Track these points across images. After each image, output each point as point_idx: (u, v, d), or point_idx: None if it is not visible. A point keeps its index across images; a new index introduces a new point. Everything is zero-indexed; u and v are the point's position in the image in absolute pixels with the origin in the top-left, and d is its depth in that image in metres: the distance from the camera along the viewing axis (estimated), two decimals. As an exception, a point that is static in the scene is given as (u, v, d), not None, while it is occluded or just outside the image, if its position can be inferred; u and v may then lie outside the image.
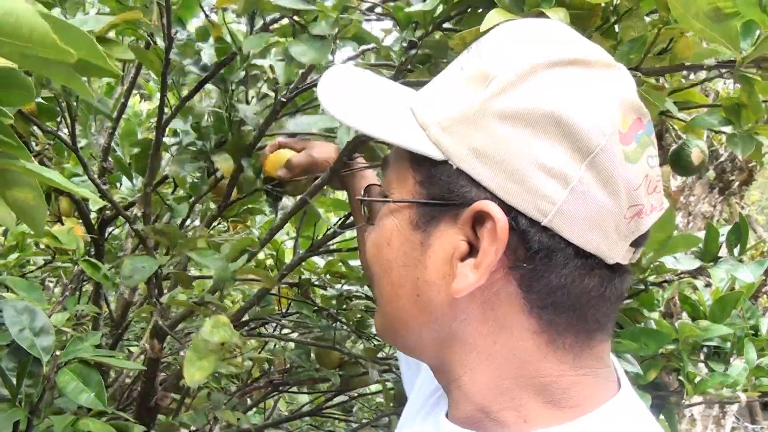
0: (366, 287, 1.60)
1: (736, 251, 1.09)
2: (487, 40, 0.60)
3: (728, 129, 1.02)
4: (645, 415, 0.62)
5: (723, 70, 0.80)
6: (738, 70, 0.71)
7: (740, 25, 0.66)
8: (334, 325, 1.55)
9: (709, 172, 5.40)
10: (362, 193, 0.72)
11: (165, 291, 1.24)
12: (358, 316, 1.58)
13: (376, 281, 0.67)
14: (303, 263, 1.50)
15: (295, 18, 0.84)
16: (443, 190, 0.59)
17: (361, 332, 1.60)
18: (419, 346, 0.65)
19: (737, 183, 5.52)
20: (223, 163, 1.16)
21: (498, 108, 0.55)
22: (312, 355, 1.64)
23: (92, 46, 0.38)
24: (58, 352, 0.79)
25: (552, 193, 0.54)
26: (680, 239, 1.03)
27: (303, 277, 1.63)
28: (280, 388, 1.77)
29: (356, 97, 0.66)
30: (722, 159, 5.37)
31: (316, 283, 1.64)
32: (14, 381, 0.77)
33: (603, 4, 0.75)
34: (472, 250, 0.58)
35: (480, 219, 0.56)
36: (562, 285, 0.56)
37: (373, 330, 1.60)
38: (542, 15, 0.75)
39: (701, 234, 1.19)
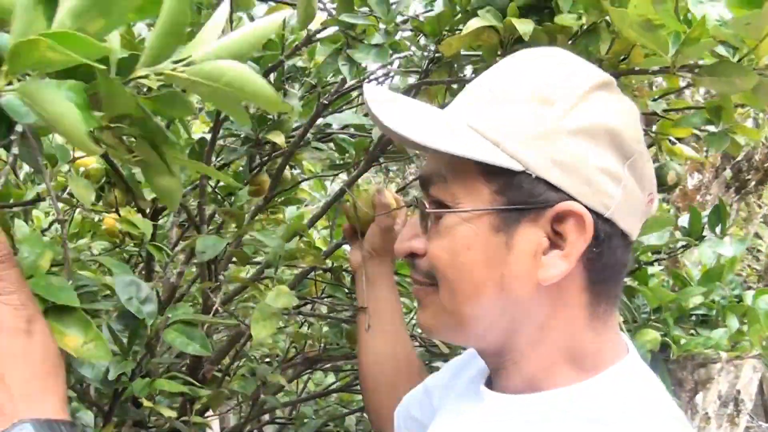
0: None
1: (717, 230, 1.25)
2: (527, 67, 0.75)
3: (711, 128, 1.17)
4: (649, 374, 0.77)
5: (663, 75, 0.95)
6: (673, 74, 0.86)
7: (672, 34, 0.81)
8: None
9: (726, 171, 5.51)
10: (427, 206, 0.77)
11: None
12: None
13: (448, 284, 0.75)
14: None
15: (348, 31, 1.02)
16: (524, 196, 0.71)
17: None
18: (483, 336, 0.77)
19: (753, 182, 5.60)
20: (277, 138, 1.32)
21: (568, 126, 0.70)
22: (344, 334, 1.81)
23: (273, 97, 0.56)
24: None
25: (612, 191, 0.71)
26: (654, 221, 1.19)
27: (336, 263, 1.79)
28: (315, 366, 1.93)
29: (418, 118, 0.75)
30: (739, 159, 5.46)
31: (347, 268, 1.80)
32: (124, 341, 0.94)
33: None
34: (552, 244, 0.71)
35: (560, 218, 0.70)
36: (614, 263, 0.73)
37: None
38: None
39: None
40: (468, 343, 0.84)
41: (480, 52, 1.03)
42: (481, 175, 0.72)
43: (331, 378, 2.41)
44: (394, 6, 1.04)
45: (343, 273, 1.84)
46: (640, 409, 0.69)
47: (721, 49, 0.83)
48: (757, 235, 8.78)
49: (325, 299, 1.92)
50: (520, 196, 0.71)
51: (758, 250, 7.72)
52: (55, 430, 0.64)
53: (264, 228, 1.10)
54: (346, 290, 1.86)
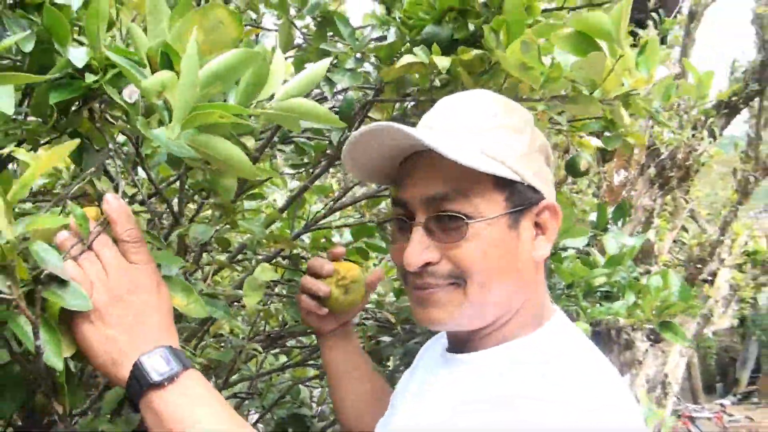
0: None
1: (620, 224, 1.52)
2: (499, 109, 1.00)
3: (607, 133, 1.44)
4: (572, 324, 1.06)
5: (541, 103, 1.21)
6: (547, 103, 1.11)
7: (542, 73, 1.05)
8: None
9: (650, 169, 5.88)
10: (466, 219, 0.95)
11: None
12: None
13: (479, 279, 0.96)
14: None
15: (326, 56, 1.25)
16: (524, 199, 0.98)
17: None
18: (492, 315, 0.99)
19: (676, 179, 5.99)
20: (248, 142, 1.52)
21: (534, 146, 1.00)
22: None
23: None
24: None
25: (553, 191, 1.02)
26: (575, 231, 1.45)
27: (293, 251, 2.00)
28: (276, 343, 2.13)
29: (458, 146, 0.95)
30: (663, 157, 5.83)
31: (304, 255, 2.01)
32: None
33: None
34: (536, 231, 1.00)
35: (541, 211, 1.00)
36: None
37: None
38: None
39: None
40: (473, 326, 1.01)
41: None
42: (495, 188, 0.96)
43: (283, 359, 2.62)
44: (364, 36, 1.26)
45: (301, 259, 2.04)
46: (578, 347, 0.99)
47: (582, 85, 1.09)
48: (683, 229, 9.28)
49: (285, 282, 2.12)
50: (521, 199, 0.98)
51: (683, 243, 8.09)
52: (180, 354, 0.88)
53: (244, 217, 1.30)
54: (302, 273, 2.06)
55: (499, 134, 0.97)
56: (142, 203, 1.33)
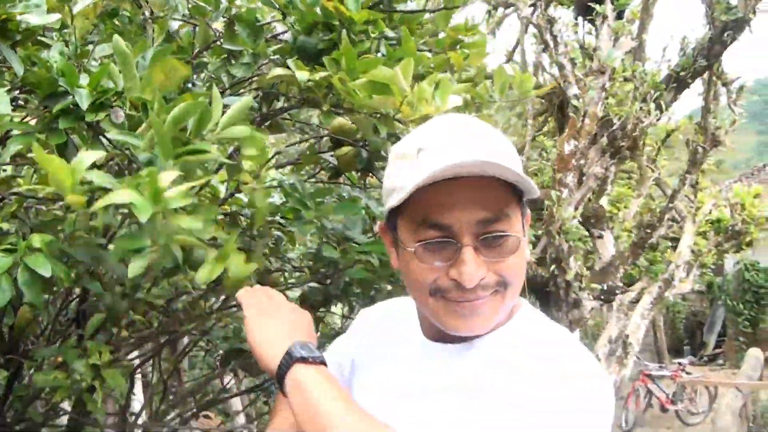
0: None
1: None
2: (497, 131, 1.12)
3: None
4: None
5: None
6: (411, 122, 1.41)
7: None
8: (252, 240, 2.27)
9: (602, 139, 6.20)
10: (510, 236, 1.06)
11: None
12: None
13: (516, 286, 1.09)
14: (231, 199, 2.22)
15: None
16: (525, 210, 1.11)
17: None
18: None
19: (625, 149, 6.33)
20: None
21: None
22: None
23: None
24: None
25: None
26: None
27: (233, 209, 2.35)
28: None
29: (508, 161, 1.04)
30: (614, 128, 6.14)
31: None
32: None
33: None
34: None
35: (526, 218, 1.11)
36: None
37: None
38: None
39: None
40: (488, 329, 1.12)
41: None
42: (518, 205, 1.08)
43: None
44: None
45: (240, 216, 2.37)
46: (553, 331, 1.14)
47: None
48: (650, 197, 9.64)
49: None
50: (525, 211, 1.11)
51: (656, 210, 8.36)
52: (311, 346, 1.13)
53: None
54: (241, 229, 2.41)
55: (514, 155, 1.09)
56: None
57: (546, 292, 6.21)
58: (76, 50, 1.44)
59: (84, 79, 1.19)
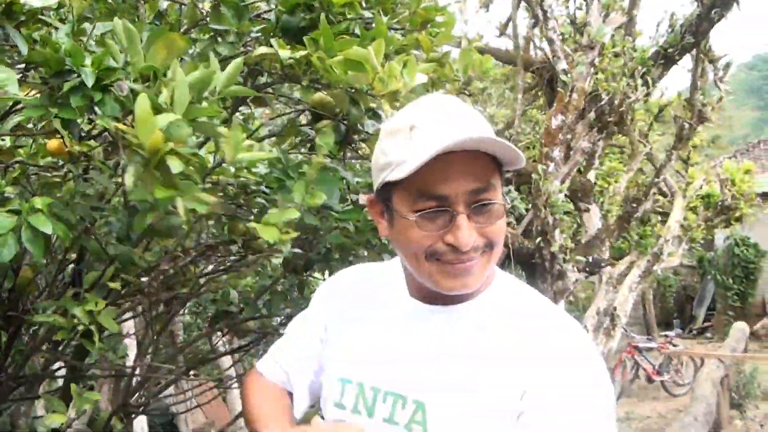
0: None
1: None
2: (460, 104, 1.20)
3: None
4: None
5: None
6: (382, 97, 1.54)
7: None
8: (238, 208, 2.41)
9: (590, 114, 6.31)
10: (497, 204, 1.15)
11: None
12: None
13: (498, 247, 1.18)
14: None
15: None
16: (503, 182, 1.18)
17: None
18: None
19: (612, 124, 6.43)
20: None
21: None
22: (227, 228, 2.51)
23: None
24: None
25: None
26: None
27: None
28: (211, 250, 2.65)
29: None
30: (602, 103, 6.24)
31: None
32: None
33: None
34: None
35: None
36: None
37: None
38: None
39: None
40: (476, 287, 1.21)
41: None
42: (499, 174, 1.16)
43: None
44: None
45: (228, 186, 2.50)
46: (532, 294, 1.26)
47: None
48: (641, 171, 9.75)
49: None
50: (503, 180, 1.19)
51: (642, 184, 8.44)
52: None
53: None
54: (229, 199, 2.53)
55: (491, 129, 1.19)
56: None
57: (531, 263, 6.37)
58: (73, 28, 1.57)
59: (87, 59, 1.32)
